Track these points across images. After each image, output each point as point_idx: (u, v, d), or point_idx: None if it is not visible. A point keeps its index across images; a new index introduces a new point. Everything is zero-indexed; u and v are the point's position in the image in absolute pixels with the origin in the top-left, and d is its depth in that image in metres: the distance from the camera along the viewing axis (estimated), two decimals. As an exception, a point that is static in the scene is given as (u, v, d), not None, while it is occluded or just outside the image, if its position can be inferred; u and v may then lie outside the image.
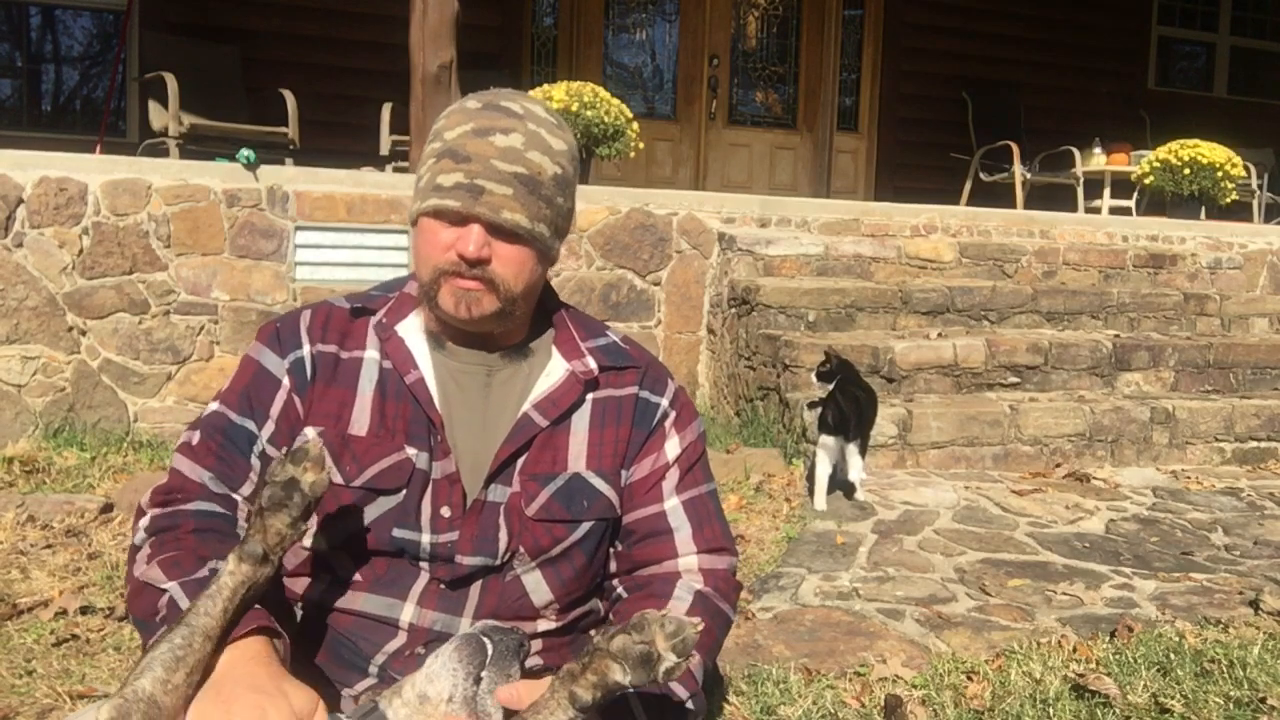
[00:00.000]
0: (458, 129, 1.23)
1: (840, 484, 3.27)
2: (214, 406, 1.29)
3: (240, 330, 4.03)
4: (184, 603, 1.06)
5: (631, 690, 1.07)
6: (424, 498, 1.24)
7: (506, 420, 1.29)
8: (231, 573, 1.04)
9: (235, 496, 1.23)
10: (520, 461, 1.28)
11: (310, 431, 1.24)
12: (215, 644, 1.03)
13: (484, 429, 1.28)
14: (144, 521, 1.22)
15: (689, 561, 1.32)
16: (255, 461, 1.24)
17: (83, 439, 3.73)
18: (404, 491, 1.24)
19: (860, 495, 3.24)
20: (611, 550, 1.36)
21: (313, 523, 1.25)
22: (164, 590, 1.10)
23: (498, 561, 1.25)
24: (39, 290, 3.82)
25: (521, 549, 1.27)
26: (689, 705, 1.21)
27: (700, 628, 0.99)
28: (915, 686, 1.92)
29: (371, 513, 1.24)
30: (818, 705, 1.82)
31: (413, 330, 1.31)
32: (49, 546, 2.59)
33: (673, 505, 1.34)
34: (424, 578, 1.24)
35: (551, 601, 1.29)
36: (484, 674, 1.09)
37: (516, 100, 1.26)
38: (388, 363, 1.29)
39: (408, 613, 1.23)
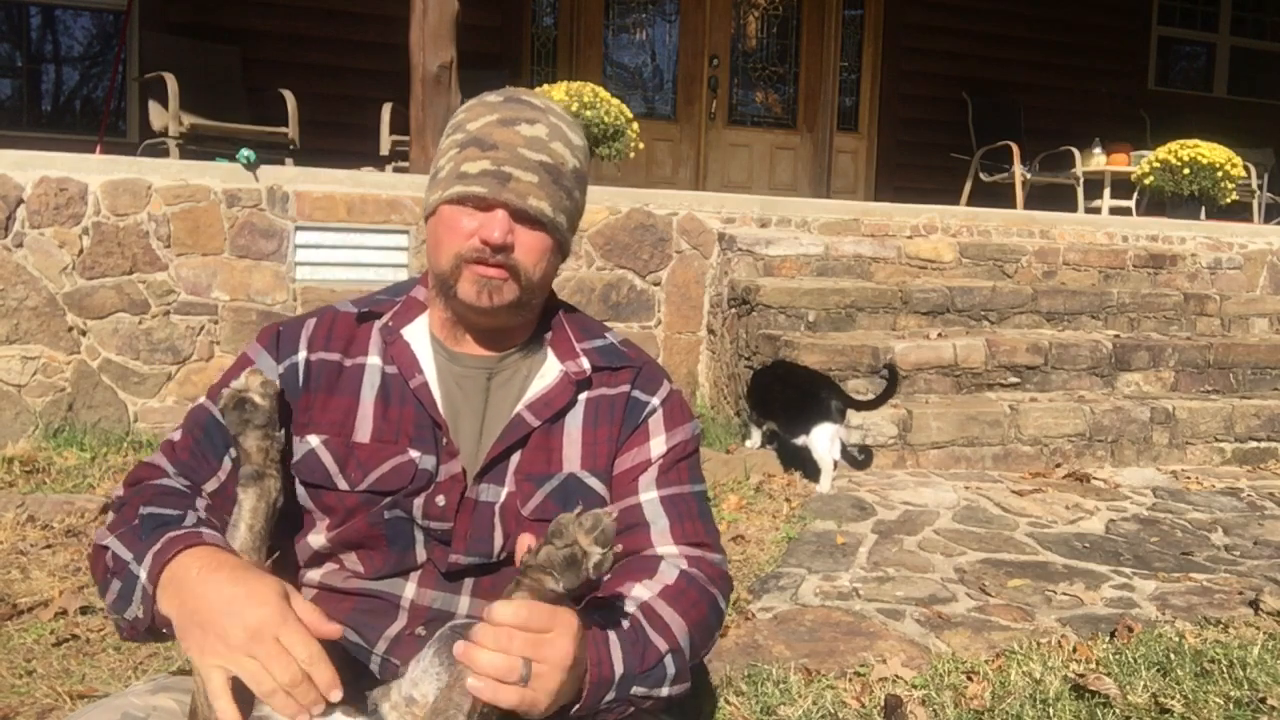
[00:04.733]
0: (482, 119, 1.25)
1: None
2: (202, 401, 1.29)
3: (240, 330, 4.03)
4: (122, 552, 1.09)
5: (564, 591, 1.04)
6: (423, 494, 1.25)
7: (503, 422, 1.29)
8: (242, 499, 1.11)
9: (200, 489, 1.24)
10: (516, 462, 1.28)
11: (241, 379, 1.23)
12: (257, 563, 1.09)
13: (482, 431, 1.29)
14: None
15: (669, 551, 1.29)
16: (227, 462, 1.24)
17: (83, 439, 3.72)
18: (404, 490, 1.24)
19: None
20: None
21: (322, 525, 1.25)
22: (106, 547, 1.13)
23: (493, 560, 1.26)
24: (39, 290, 3.82)
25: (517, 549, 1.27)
26: (667, 662, 1.15)
27: (614, 517, 1.00)
28: (915, 686, 1.92)
29: (375, 512, 1.24)
30: (818, 705, 1.81)
31: (418, 334, 1.31)
32: (49, 546, 2.59)
33: (650, 498, 1.31)
34: (421, 560, 1.25)
35: None
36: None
37: (536, 97, 1.30)
38: (391, 367, 1.29)
39: (408, 591, 1.24)
